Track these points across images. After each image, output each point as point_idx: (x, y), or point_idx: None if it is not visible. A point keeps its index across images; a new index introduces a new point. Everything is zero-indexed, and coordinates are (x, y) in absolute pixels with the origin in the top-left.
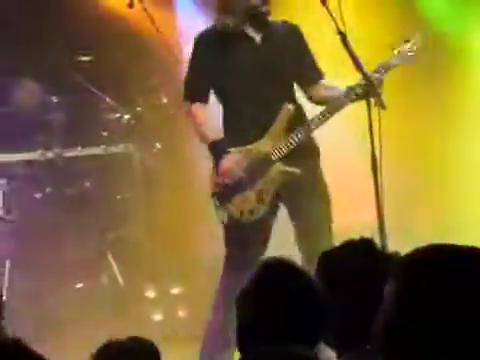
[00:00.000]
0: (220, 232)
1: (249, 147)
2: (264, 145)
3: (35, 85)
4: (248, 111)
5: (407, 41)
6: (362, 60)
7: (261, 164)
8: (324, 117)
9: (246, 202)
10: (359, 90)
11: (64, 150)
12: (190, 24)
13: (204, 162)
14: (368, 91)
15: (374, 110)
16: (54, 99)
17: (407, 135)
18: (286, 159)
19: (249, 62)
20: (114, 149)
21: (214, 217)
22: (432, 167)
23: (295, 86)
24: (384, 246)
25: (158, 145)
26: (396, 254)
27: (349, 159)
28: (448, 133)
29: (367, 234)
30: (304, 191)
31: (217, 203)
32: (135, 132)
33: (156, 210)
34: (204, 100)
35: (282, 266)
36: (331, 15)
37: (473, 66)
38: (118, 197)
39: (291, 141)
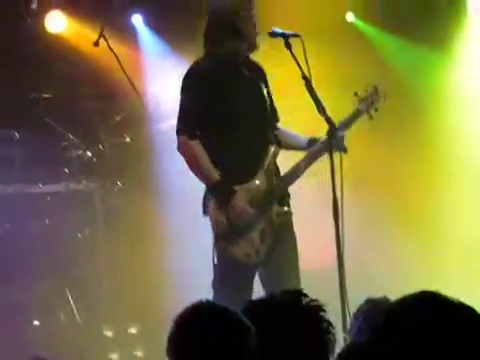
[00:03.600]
0: (177, 273)
1: (249, 186)
2: (261, 184)
3: None
4: (238, 148)
5: (367, 90)
6: (325, 104)
7: (262, 204)
8: (309, 164)
9: (251, 243)
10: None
11: (25, 186)
12: (155, 63)
13: (166, 202)
14: (330, 136)
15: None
16: (16, 134)
17: (372, 177)
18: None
19: (241, 95)
20: (75, 186)
21: (171, 257)
22: (395, 214)
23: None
24: (343, 289)
25: (120, 184)
26: (385, 300)
27: (311, 201)
28: (412, 175)
29: (327, 277)
30: (287, 237)
31: (222, 244)
32: (97, 170)
33: (116, 249)
34: (198, 134)
35: (209, 309)
36: (295, 59)
37: (437, 109)
38: (79, 235)
39: (285, 182)
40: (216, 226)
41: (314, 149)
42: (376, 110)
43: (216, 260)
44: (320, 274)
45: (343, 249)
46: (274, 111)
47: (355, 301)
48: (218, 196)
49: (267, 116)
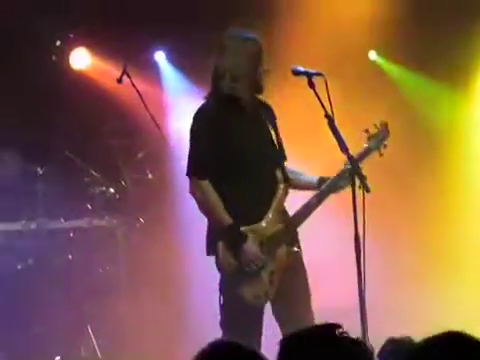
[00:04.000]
0: (198, 310)
1: (257, 227)
2: (270, 225)
3: (16, 156)
4: (246, 188)
5: (377, 127)
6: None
7: (271, 245)
8: (319, 202)
9: (261, 285)
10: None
11: (48, 221)
12: (177, 99)
13: (188, 239)
14: (352, 172)
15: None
16: (39, 170)
17: (392, 213)
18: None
19: (249, 136)
20: (98, 222)
21: (193, 295)
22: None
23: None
24: (364, 327)
25: (142, 220)
26: (408, 339)
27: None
28: (432, 210)
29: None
30: (297, 277)
31: (231, 286)
32: (120, 206)
33: (138, 286)
34: (209, 176)
35: (229, 346)
36: (318, 98)
37: (457, 147)
38: (100, 270)
39: (295, 223)
40: (226, 268)
41: (326, 188)
42: (385, 146)
43: (222, 300)
44: (340, 312)
45: (364, 286)
46: (282, 150)
47: (377, 341)
48: (229, 239)
49: (275, 155)
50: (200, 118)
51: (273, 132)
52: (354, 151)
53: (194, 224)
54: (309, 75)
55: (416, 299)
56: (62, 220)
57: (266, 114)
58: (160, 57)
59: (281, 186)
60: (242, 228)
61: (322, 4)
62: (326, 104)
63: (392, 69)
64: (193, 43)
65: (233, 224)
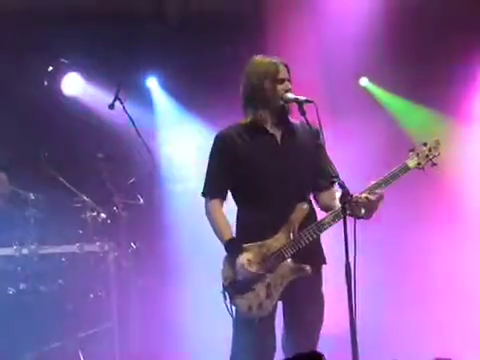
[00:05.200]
0: (190, 335)
1: (261, 243)
2: (277, 241)
3: (7, 181)
4: (265, 210)
5: (425, 144)
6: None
7: (273, 260)
8: (334, 221)
9: (255, 297)
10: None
11: (39, 247)
12: (169, 125)
13: (179, 264)
14: (344, 200)
15: None
16: (31, 195)
17: (382, 239)
18: (298, 257)
19: (269, 160)
20: (89, 247)
21: (184, 319)
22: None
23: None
24: (355, 352)
25: (134, 245)
26: None
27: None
28: (422, 237)
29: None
30: (307, 294)
31: (227, 296)
32: (111, 231)
33: (129, 311)
34: (223, 197)
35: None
36: (308, 125)
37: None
38: (91, 296)
39: (303, 240)
40: (224, 280)
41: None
42: (434, 164)
43: (230, 311)
44: (332, 339)
45: (355, 314)
46: (324, 174)
47: None
48: (228, 253)
49: (303, 180)
50: (215, 140)
51: (311, 155)
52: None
53: (185, 249)
54: (299, 102)
55: (409, 326)
56: (54, 245)
57: (306, 137)
58: (152, 83)
59: (303, 206)
60: (248, 244)
61: (315, 28)
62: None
63: (383, 95)
64: (184, 69)
65: (232, 238)
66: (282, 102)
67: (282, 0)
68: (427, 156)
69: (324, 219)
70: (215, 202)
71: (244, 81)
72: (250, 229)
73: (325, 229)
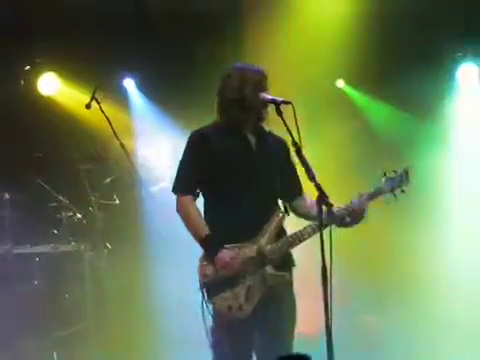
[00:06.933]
0: (167, 333)
1: (239, 245)
2: (257, 245)
3: None
4: (238, 209)
5: (395, 171)
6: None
7: (253, 263)
8: (314, 231)
9: (235, 298)
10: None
11: (14, 247)
12: (146, 126)
13: (155, 264)
14: (320, 202)
15: None
16: (6, 195)
17: (360, 243)
18: (275, 264)
19: (244, 162)
20: (64, 248)
21: (160, 318)
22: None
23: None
24: (331, 355)
25: (109, 245)
26: None
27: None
28: (404, 242)
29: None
30: (280, 300)
31: (205, 295)
32: (86, 231)
33: (104, 311)
34: (194, 194)
35: None
36: (286, 126)
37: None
38: (66, 296)
39: (283, 247)
40: (203, 277)
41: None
42: (403, 191)
43: (202, 315)
44: (307, 342)
45: (331, 318)
46: (294, 182)
47: None
48: (206, 250)
49: (273, 184)
50: (191, 138)
51: (280, 166)
52: (323, 181)
53: (160, 250)
54: (277, 103)
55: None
56: (28, 245)
57: (275, 146)
58: (129, 83)
59: (278, 214)
60: (228, 245)
61: (292, 30)
62: (293, 132)
63: (359, 97)
64: (161, 71)
65: (210, 235)
66: (259, 104)
67: (259, 1)
68: (399, 184)
69: (304, 230)
70: (187, 198)
71: (225, 84)
72: (217, 229)
73: (305, 239)
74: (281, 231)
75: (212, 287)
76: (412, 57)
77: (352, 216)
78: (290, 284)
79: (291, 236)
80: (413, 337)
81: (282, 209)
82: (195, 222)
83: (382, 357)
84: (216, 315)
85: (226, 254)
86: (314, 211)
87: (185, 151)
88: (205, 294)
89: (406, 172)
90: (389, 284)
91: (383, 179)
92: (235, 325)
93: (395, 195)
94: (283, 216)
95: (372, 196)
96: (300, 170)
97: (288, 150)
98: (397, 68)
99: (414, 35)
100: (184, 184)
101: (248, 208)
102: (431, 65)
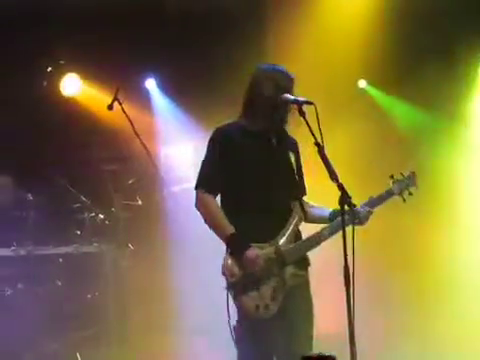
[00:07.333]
0: (188, 335)
1: (261, 244)
2: (280, 245)
3: (8, 180)
4: (257, 209)
5: (402, 174)
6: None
7: (276, 263)
8: (331, 234)
9: (262, 298)
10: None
11: (36, 248)
12: (168, 126)
13: (177, 265)
14: (342, 202)
15: None
16: (29, 196)
17: (382, 244)
18: (294, 264)
19: (265, 162)
20: (87, 248)
21: (181, 320)
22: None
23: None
24: (354, 355)
25: (131, 246)
26: None
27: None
28: (424, 245)
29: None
30: (300, 300)
31: (232, 294)
32: (109, 232)
33: (126, 311)
34: (215, 192)
35: None
36: (308, 126)
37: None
38: (89, 296)
39: (301, 250)
40: (230, 277)
41: (337, 222)
42: (410, 194)
43: (228, 315)
44: (329, 341)
45: (354, 317)
46: (302, 184)
47: None
48: (233, 248)
49: (292, 185)
50: (214, 136)
51: (294, 165)
52: (346, 181)
53: (183, 250)
54: (299, 103)
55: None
56: (51, 246)
57: (291, 147)
58: (151, 84)
59: (296, 217)
60: (253, 244)
61: (313, 32)
62: (316, 132)
63: (382, 97)
64: (183, 71)
65: (236, 233)
66: (282, 104)
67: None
68: (406, 187)
69: (321, 232)
70: (209, 196)
71: (253, 84)
72: (241, 225)
73: (323, 240)
74: (298, 232)
75: (239, 286)
76: (432, 56)
77: (359, 218)
78: (308, 283)
79: (309, 239)
80: (431, 337)
81: (299, 210)
82: (219, 220)
83: (398, 357)
84: (242, 314)
85: (253, 252)
86: (314, 212)
87: (208, 148)
88: (232, 293)
89: (413, 174)
90: (407, 284)
91: (391, 182)
92: (260, 324)
93: (404, 199)
94: (300, 218)
95: (381, 199)
96: (320, 170)
97: (299, 150)
98: (417, 67)
99: (434, 33)
100: (207, 181)
101: (267, 208)
102: (451, 64)
